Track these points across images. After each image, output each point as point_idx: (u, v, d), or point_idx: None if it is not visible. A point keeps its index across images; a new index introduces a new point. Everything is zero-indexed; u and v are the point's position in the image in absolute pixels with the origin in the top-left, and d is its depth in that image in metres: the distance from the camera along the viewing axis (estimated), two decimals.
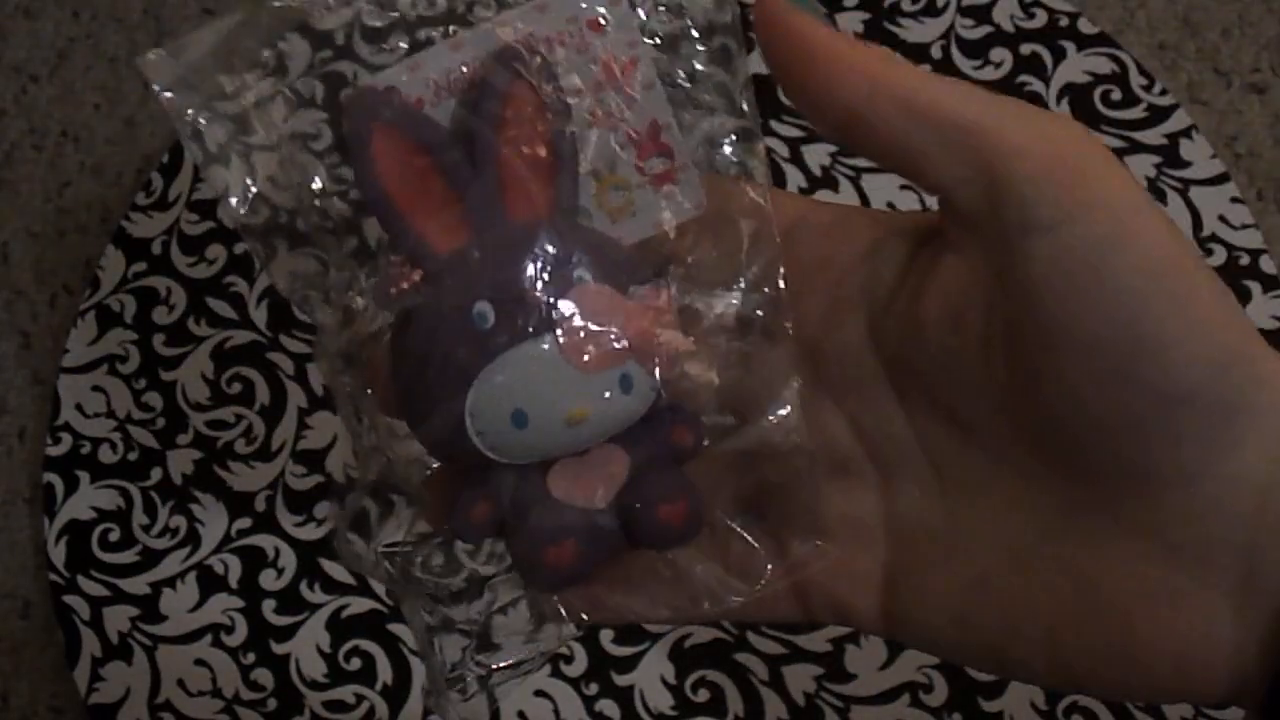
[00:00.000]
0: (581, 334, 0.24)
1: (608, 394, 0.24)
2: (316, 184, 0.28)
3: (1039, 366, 0.23)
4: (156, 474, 0.50)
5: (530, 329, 0.23)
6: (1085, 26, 0.55)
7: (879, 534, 0.26)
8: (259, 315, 0.52)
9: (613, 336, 0.24)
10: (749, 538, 0.27)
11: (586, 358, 0.24)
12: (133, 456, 0.50)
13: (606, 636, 0.47)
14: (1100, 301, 0.22)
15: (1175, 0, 0.56)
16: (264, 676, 0.47)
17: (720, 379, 0.26)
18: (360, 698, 0.46)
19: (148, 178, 0.56)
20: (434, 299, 0.24)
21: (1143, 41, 0.55)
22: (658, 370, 0.24)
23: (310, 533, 0.49)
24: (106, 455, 0.51)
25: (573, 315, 0.24)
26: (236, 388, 0.51)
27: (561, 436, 0.24)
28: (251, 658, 0.47)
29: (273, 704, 0.46)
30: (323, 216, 0.29)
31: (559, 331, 0.23)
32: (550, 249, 0.24)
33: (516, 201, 0.24)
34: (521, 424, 0.24)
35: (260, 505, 0.49)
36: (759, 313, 0.26)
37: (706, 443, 0.26)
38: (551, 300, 0.23)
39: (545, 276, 0.24)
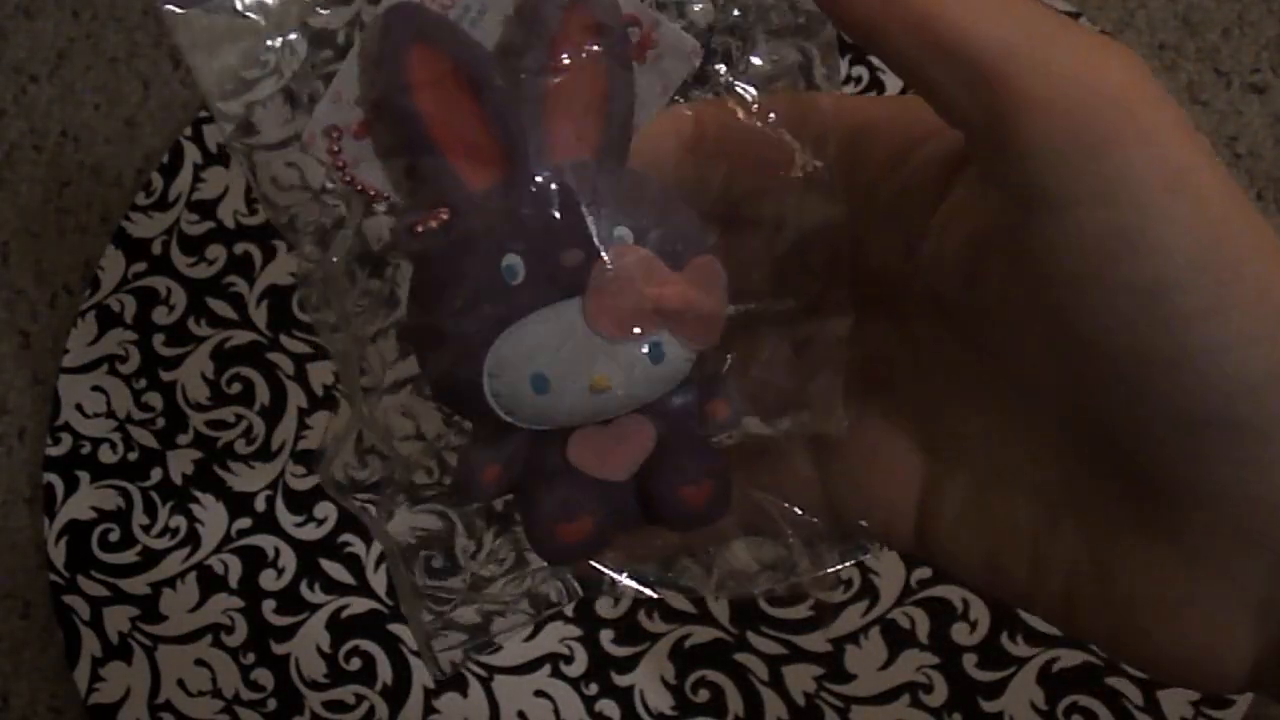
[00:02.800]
0: (611, 299, 0.22)
1: (635, 363, 0.22)
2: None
3: (1054, 359, 0.21)
4: (156, 474, 0.50)
5: (559, 289, 0.22)
6: (1085, 26, 0.55)
7: (917, 454, 0.25)
8: (259, 315, 0.52)
9: (645, 304, 0.22)
10: (785, 527, 0.25)
11: (613, 325, 0.22)
12: (133, 456, 0.50)
13: (606, 637, 0.47)
14: (1112, 304, 0.19)
15: (1175, 0, 0.56)
16: (264, 676, 0.47)
17: (769, 363, 0.25)
18: (360, 698, 0.46)
19: (148, 178, 0.56)
20: (461, 243, 0.22)
21: (1143, 41, 0.55)
22: (692, 342, 0.23)
23: (310, 533, 0.49)
24: (106, 455, 0.51)
25: (604, 278, 0.22)
26: (236, 388, 0.51)
27: (583, 404, 0.23)
28: (251, 658, 0.47)
29: (273, 704, 0.46)
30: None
31: (588, 295, 0.22)
32: (592, 199, 0.22)
33: (561, 138, 0.22)
34: (542, 389, 0.22)
35: (260, 505, 0.49)
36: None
37: (744, 421, 0.25)
38: (584, 260, 0.22)
39: (582, 231, 0.22)
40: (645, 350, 0.22)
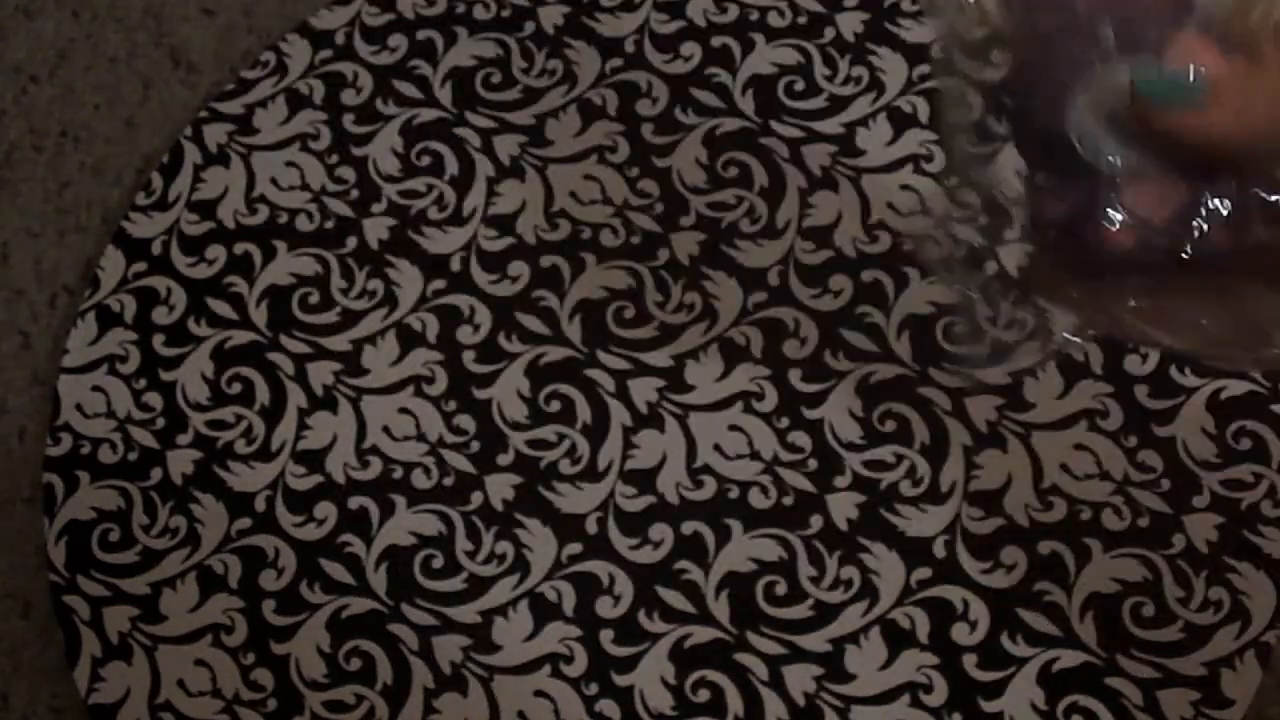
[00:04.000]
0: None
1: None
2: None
3: None
4: (156, 474, 0.50)
5: (1138, 49, 0.27)
6: None
7: None
8: (259, 315, 0.52)
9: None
10: None
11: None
12: (133, 456, 0.50)
13: (606, 637, 0.47)
14: None
15: None
16: (264, 676, 0.47)
17: None
18: (360, 698, 0.46)
19: (148, 178, 0.56)
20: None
21: None
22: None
23: (310, 533, 0.49)
24: (106, 455, 0.51)
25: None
26: (236, 388, 0.51)
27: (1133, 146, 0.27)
28: (251, 658, 0.47)
29: (273, 704, 0.46)
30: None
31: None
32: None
33: None
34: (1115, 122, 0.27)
35: (260, 505, 0.49)
36: None
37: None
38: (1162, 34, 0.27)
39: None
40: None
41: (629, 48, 0.56)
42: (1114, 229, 0.28)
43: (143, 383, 0.52)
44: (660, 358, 0.51)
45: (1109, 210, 0.28)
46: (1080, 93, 0.28)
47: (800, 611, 0.47)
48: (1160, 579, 0.46)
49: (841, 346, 0.50)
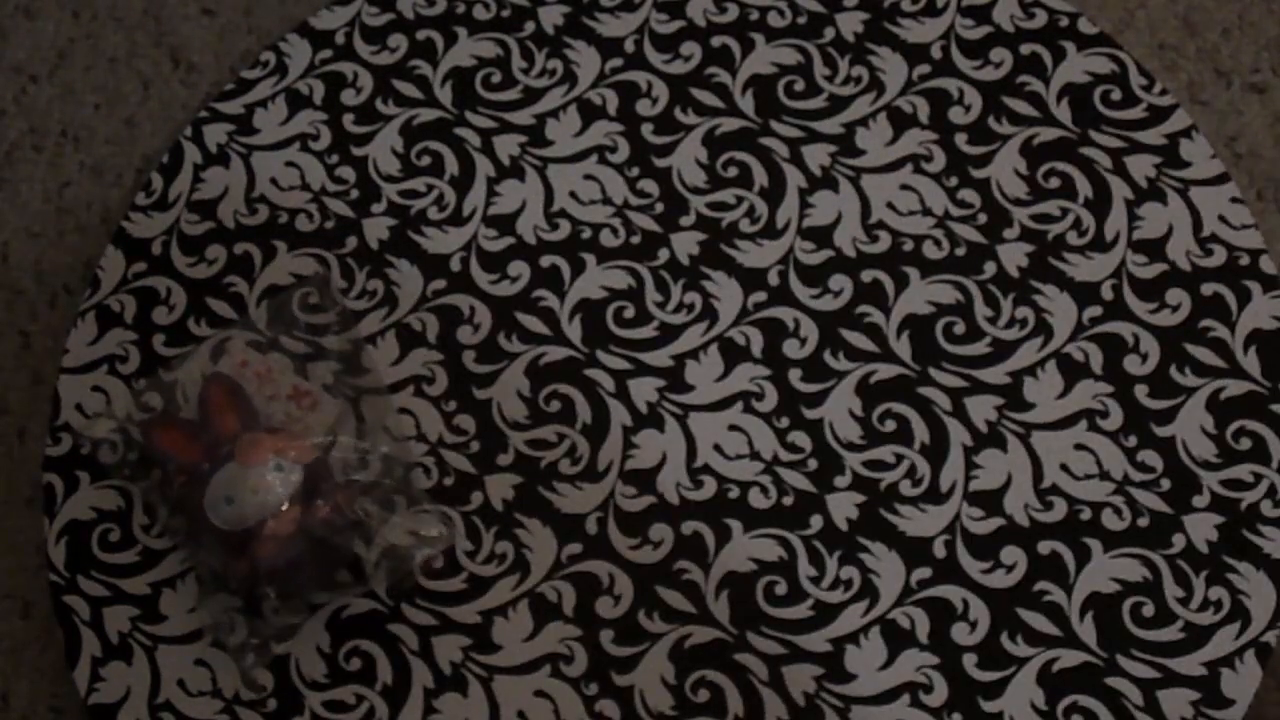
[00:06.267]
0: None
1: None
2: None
3: None
4: (156, 474, 0.50)
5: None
6: (1085, 26, 0.55)
7: None
8: (259, 315, 0.52)
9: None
10: None
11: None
12: (132, 457, 0.50)
13: (606, 637, 0.47)
14: None
15: (1175, 0, 0.56)
16: (264, 677, 0.47)
17: None
18: (360, 698, 0.46)
19: (148, 178, 0.56)
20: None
21: (1143, 41, 0.55)
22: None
23: None
24: (106, 455, 0.51)
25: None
26: None
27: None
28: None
29: (273, 704, 0.46)
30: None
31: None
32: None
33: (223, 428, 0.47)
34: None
35: None
36: None
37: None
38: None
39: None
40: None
41: (629, 48, 0.56)
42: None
43: (142, 383, 0.52)
44: (660, 358, 0.51)
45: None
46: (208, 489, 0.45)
47: (800, 611, 0.47)
48: (1160, 579, 0.46)
49: (841, 346, 0.50)
